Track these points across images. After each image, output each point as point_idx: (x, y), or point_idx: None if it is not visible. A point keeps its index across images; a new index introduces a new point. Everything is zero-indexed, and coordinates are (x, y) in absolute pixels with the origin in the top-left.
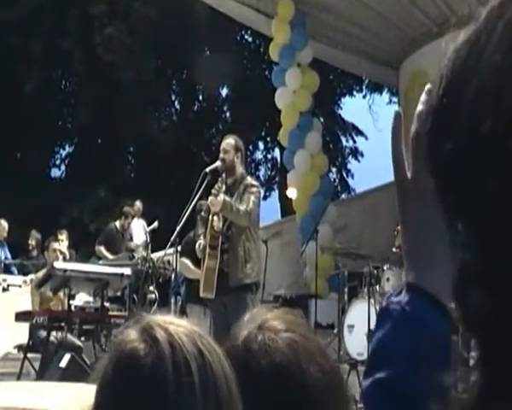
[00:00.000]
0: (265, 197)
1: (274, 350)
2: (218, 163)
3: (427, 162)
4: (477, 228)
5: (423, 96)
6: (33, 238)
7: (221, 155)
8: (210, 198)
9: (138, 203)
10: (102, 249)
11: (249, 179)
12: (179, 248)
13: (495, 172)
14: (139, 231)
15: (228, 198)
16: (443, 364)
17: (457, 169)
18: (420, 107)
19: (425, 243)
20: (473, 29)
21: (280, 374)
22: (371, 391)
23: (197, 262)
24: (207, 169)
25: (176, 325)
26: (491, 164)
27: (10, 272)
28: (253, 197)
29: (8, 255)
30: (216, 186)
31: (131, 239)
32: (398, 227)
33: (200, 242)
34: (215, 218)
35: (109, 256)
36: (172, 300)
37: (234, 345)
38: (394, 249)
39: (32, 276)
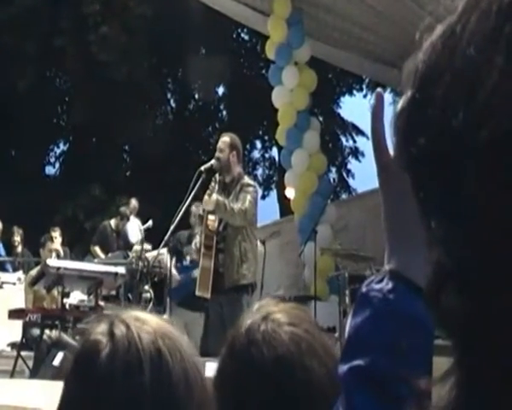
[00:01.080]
0: (263, 197)
1: (276, 342)
2: (213, 161)
3: (399, 158)
4: (451, 226)
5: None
6: (17, 234)
7: (216, 154)
8: (204, 197)
9: (134, 201)
10: (97, 250)
11: (246, 179)
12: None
13: (467, 167)
14: (134, 229)
15: (221, 198)
16: (423, 355)
17: (430, 164)
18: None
19: (408, 226)
20: (448, 21)
21: (282, 366)
22: (348, 379)
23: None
24: (202, 168)
25: (141, 322)
26: (464, 159)
27: (5, 270)
28: (249, 196)
29: (3, 252)
30: (210, 185)
31: (127, 238)
32: None
33: (196, 241)
34: (210, 217)
35: (103, 257)
36: (168, 299)
37: (237, 333)
38: None
39: (19, 273)
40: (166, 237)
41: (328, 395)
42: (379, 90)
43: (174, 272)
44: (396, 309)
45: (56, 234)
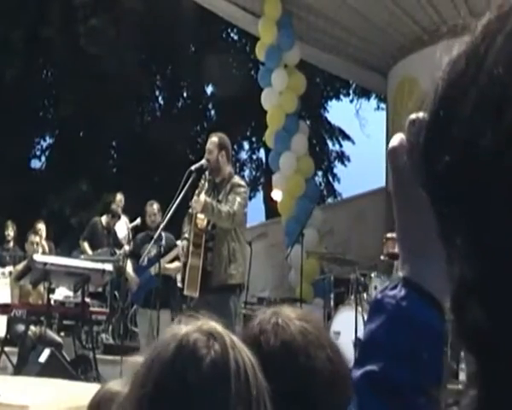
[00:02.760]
0: (250, 198)
1: (285, 332)
2: (203, 162)
3: (419, 176)
4: (476, 242)
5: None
6: (11, 229)
7: (206, 155)
8: (194, 198)
9: (119, 195)
10: (86, 245)
11: (236, 179)
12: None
13: (495, 186)
14: (122, 226)
15: (209, 199)
16: (435, 362)
17: (456, 182)
18: (412, 117)
19: (421, 234)
20: (469, 41)
21: (286, 351)
22: (362, 383)
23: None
24: (193, 167)
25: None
26: (491, 177)
27: None
28: (238, 198)
29: None
30: (200, 183)
31: (116, 236)
32: (388, 235)
33: (183, 244)
34: (199, 216)
35: (90, 253)
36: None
37: (250, 326)
38: (382, 257)
39: (9, 268)
40: (156, 236)
41: (331, 387)
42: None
43: (133, 274)
44: (408, 316)
45: (41, 226)
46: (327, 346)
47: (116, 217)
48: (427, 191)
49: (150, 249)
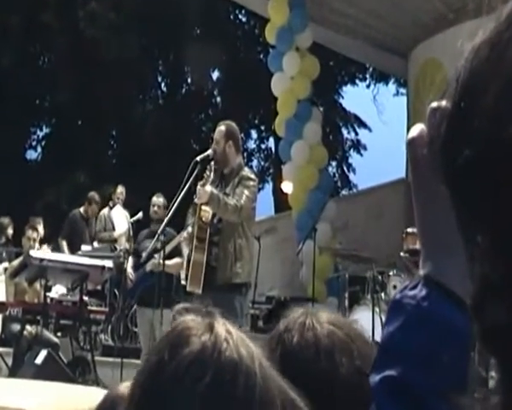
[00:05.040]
0: (258, 190)
1: (310, 332)
2: (209, 152)
3: (439, 170)
4: (498, 239)
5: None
6: (10, 228)
7: (212, 145)
8: (198, 188)
9: (120, 188)
10: (64, 245)
11: (246, 171)
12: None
13: None
14: (121, 220)
15: (216, 191)
16: (459, 367)
17: (477, 177)
18: (433, 105)
19: (443, 230)
20: (494, 28)
21: (309, 353)
22: (379, 389)
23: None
24: (198, 158)
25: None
26: None
27: None
28: (246, 192)
29: None
30: (205, 174)
31: (113, 228)
32: (408, 229)
33: (188, 230)
34: (204, 207)
35: (67, 253)
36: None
37: (279, 324)
38: (402, 254)
39: (5, 264)
40: (159, 231)
41: (354, 400)
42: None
43: (130, 270)
44: (430, 317)
45: (38, 222)
46: (357, 357)
47: (93, 203)
48: (447, 186)
49: (152, 245)
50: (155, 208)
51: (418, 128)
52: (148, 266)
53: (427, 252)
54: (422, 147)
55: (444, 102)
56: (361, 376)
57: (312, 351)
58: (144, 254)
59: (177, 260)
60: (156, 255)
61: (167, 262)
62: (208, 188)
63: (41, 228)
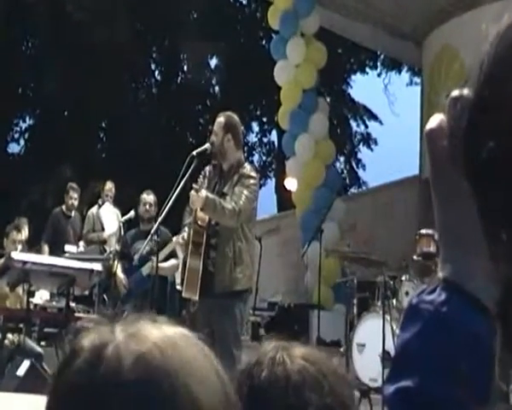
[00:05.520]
0: (259, 187)
1: (280, 367)
2: (207, 145)
3: (460, 163)
4: None
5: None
6: None
7: (211, 138)
8: (191, 193)
9: (109, 184)
10: (46, 250)
11: (246, 168)
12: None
13: None
14: (111, 218)
15: (211, 195)
16: (481, 378)
17: (501, 172)
18: (454, 94)
19: (465, 230)
20: None
21: (277, 389)
22: (395, 401)
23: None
24: (195, 152)
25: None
26: None
27: None
28: (246, 192)
29: None
30: (200, 177)
31: (102, 229)
32: (421, 231)
33: (183, 235)
34: (200, 210)
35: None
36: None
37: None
38: (415, 257)
39: None
40: (153, 231)
41: None
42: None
43: (121, 275)
44: (450, 324)
45: (23, 223)
46: (327, 393)
47: (71, 191)
48: (469, 180)
49: (144, 247)
50: (146, 207)
51: (437, 119)
52: (145, 270)
53: (446, 253)
54: (442, 139)
55: (465, 91)
56: None
57: (281, 387)
58: (136, 257)
59: (172, 261)
60: (154, 258)
61: (163, 265)
62: (203, 193)
63: (26, 230)
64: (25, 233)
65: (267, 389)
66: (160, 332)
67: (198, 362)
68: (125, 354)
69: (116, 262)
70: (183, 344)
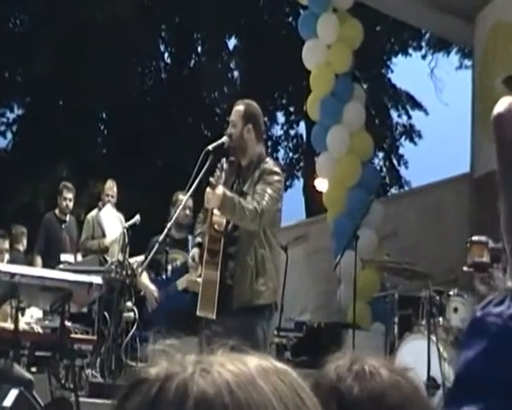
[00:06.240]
0: (285, 188)
1: (373, 382)
2: (224, 139)
3: None
4: None
5: None
6: None
7: (228, 129)
8: (206, 190)
9: (110, 183)
10: (38, 262)
11: (269, 163)
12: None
13: None
14: (113, 223)
15: (230, 193)
16: None
17: None
18: None
19: None
20: None
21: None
22: None
23: None
24: (210, 147)
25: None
26: None
27: None
28: (269, 190)
29: None
30: (215, 174)
31: (103, 235)
32: (473, 238)
33: (194, 252)
34: (216, 213)
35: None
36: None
37: (323, 372)
38: (466, 268)
39: None
40: (161, 238)
41: None
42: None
43: (153, 287)
44: None
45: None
46: (427, 407)
47: (64, 191)
48: None
49: (175, 256)
50: (187, 211)
51: (506, 102)
52: (181, 284)
53: None
54: (511, 125)
55: None
56: None
57: (382, 406)
58: (170, 268)
59: None
60: (192, 270)
61: (199, 279)
62: (220, 189)
63: (24, 241)
64: (23, 246)
65: (363, 406)
66: (236, 368)
67: (274, 404)
68: (190, 392)
69: (140, 270)
70: (262, 383)
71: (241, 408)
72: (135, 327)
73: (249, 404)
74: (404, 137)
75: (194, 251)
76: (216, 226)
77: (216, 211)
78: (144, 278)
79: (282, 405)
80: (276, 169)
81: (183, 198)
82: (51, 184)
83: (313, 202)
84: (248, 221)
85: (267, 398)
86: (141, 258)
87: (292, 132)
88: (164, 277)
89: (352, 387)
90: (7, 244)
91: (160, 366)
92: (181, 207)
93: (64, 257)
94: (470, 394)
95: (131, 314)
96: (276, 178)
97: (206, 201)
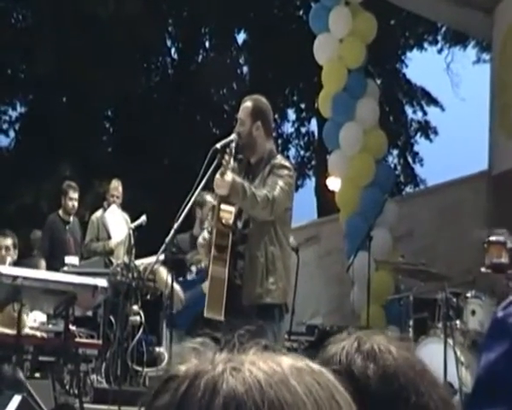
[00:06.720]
0: (296, 188)
1: (385, 360)
2: (232, 136)
3: None
4: None
5: None
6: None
7: (236, 127)
8: (216, 177)
9: (115, 182)
10: (43, 264)
11: (279, 158)
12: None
13: None
14: (118, 224)
15: (239, 179)
16: None
17: None
18: None
19: None
20: None
21: (394, 386)
22: None
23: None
24: (218, 145)
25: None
26: None
27: None
28: (280, 182)
29: None
30: (223, 161)
31: (109, 236)
32: (491, 238)
33: (204, 234)
34: (225, 207)
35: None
36: (164, 325)
37: (326, 356)
38: (484, 269)
39: None
40: (168, 240)
41: None
42: None
43: (178, 288)
44: None
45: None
46: (439, 383)
47: (70, 191)
48: None
49: (199, 257)
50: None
51: None
52: (206, 288)
53: None
54: None
55: None
56: (448, 407)
57: (396, 383)
58: (194, 269)
59: None
60: (200, 249)
61: None
62: (229, 176)
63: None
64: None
65: (380, 389)
66: (268, 367)
67: (307, 405)
68: (220, 389)
69: (163, 269)
70: (295, 383)
71: (273, 407)
72: (141, 331)
73: (281, 404)
74: (419, 134)
75: (205, 233)
76: (224, 220)
77: (224, 206)
78: (165, 276)
79: (315, 406)
80: (287, 164)
81: (211, 200)
82: (54, 183)
83: (325, 202)
84: (260, 209)
85: (300, 398)
86: (150, 260)
87: (303, 130)
88: (188, 278)
89: (365, 367)
90: (9, 242)
91: (190, 363)
92: (188, 206)
93: (68, 259)
94: (492, 397)
95: (137, 318)
96: (286, 172)
97: (215, 187)
